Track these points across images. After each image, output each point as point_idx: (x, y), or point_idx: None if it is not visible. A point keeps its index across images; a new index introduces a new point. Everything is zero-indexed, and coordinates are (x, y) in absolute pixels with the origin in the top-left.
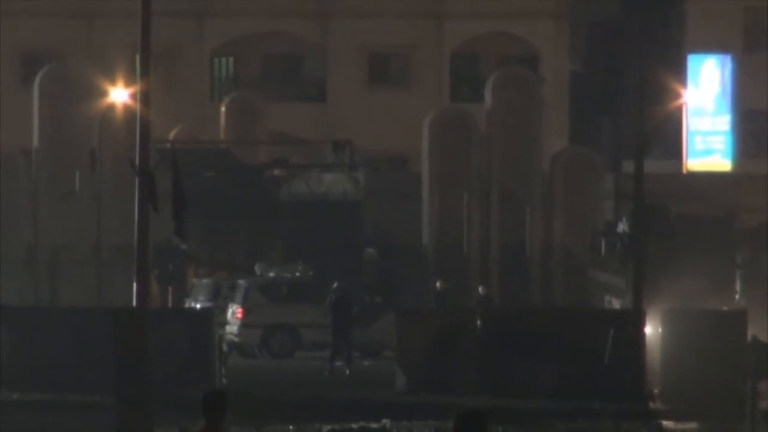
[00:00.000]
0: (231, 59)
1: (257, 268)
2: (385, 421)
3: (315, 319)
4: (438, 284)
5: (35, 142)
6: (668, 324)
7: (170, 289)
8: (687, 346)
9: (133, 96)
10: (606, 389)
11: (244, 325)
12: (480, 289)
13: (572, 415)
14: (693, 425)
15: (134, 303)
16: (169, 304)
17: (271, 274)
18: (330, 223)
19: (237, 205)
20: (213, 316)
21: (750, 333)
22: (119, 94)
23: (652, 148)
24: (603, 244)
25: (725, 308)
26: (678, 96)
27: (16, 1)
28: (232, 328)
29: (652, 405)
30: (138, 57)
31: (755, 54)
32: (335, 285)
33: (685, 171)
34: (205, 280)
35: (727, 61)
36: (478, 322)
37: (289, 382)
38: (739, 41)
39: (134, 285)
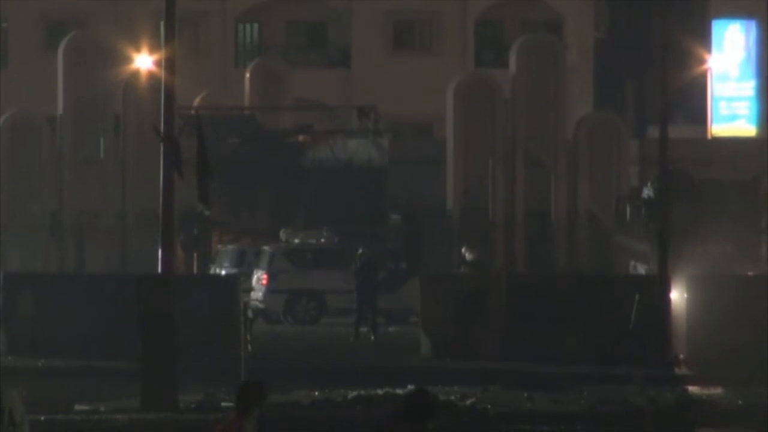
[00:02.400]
0: (255, 25)
1: (282, 234)
2: (411, 387)
3: (340, 285)
4: (464, 250)
5: (60, 109)
6: (693, 289)
7: (195, 255)
8: (712, 312)
9: (158, 62)
10: (631, 355)
11: (269, 291)
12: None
13: (597, 381)
14: (718, 390)
15: (159, 269)
16: (194, 271)
17: (296, 241)
18: (354, 190)
19: (261, 172)
20: (238, 283)
21: None
22: (144, 61)
23: (677, 113)
24: (628, 209)
25: (750, 273)
26: (702, 61)
27: None
28: (257, 294)
29: (677, 370)
30: (162, 23)
31: None
32: (360, 251)
33: (709, 136)
34: (230, 247)
35: (752, 26)
36: (504, 287)
37: (314, 348)
38: (763, 6)
39: (159, 251)
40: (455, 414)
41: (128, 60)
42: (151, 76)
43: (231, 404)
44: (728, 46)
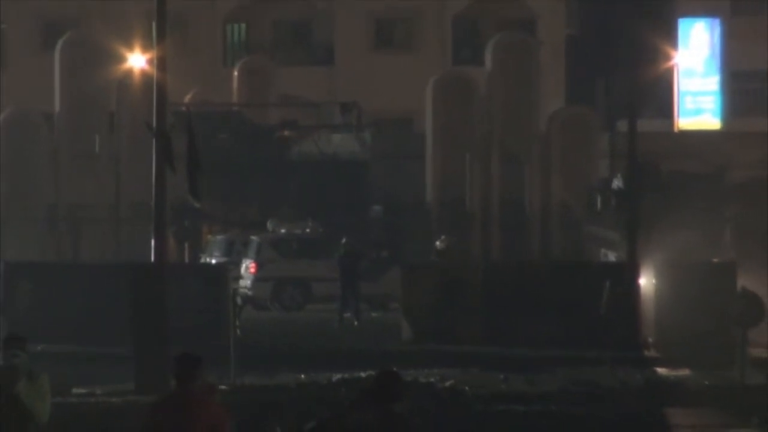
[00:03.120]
0: (243, 25)
1: (269, 225)
2: (393, 369)
3: (324, 273)
4: (442, 240)
5: (56, 107)
6: (661, 276)
7: (186, 245)
8: (679, 297)
9: (150, 61)
10: (602, 338)
11: (257, 279)
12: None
13: (571, 363)
14: (686, 372)
15: (152, 259)
16: (186, 260)
17: (282, 231)
18: (338, 182)
19: (249, 165)
20: (227, 271)
21: (739, 284)
22: (136, 60)
23: (645, 108)
24: (599, 200)
25: (716, 260)
26: (669, 58)
27: None
28: (245, 282)
29: (646, 353)
30: (154, 24)
31: (741, 18)
32: (343, 241)
33: (676, 130)
34: (219, 237)
35: (716, 24)
36: (481, 275)
37: (300, 333)
38: (726, 6)
39: (152, 242)
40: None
41: (122, 59)
42: (144, 74)
43: (224, 387)
44: (693, 44)
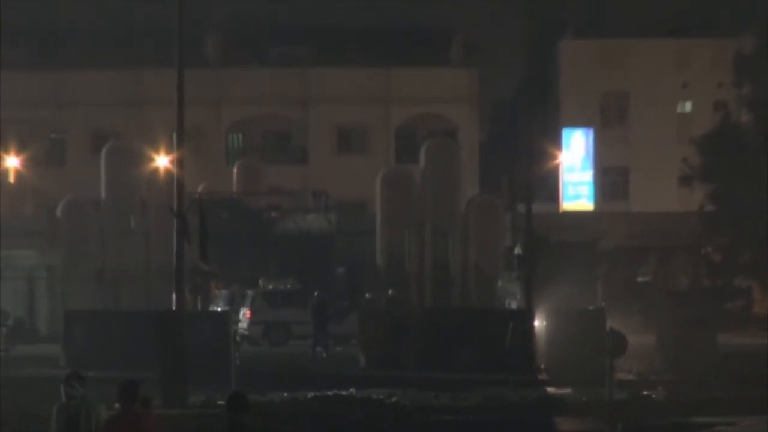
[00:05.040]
0: (240, 135)
1: (260, 282)
2: (352, 390)
3: (301, 317)
4: (390, 292)
5: (102, 195)
6: (550, 318)
7: (199, 298)
8: (564, 334)
9: (171, 161)
10: (507, 365)
11: (252, 322)
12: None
13: (484, 384)
14: (568, 390)
15: (174, 308)
16: (198, 309)
17: (270, 287)
18: (311, 250)
19: (245, 238)
20: (229, 317)
21: (608, 325)
22: (161, 160)
23: (538, 194)
24: (513, 262)
25: (590, 307)
26: (555, 157)
27: (88, 94)
28: (243, 325)
29: (539, 376)
30: (174, 134)
31: (608, 128)
32: (316, 294)
33: (560, 210)
34: (223, 291)
35: (590, 133)
36: (419, 318)
37: (284, 363)
38: (597, 119)
39: (173, 295)
40: (382, 409)
41: (150, 160)
42: (167, 171)
43: (223, 402)
44: (573, 147)
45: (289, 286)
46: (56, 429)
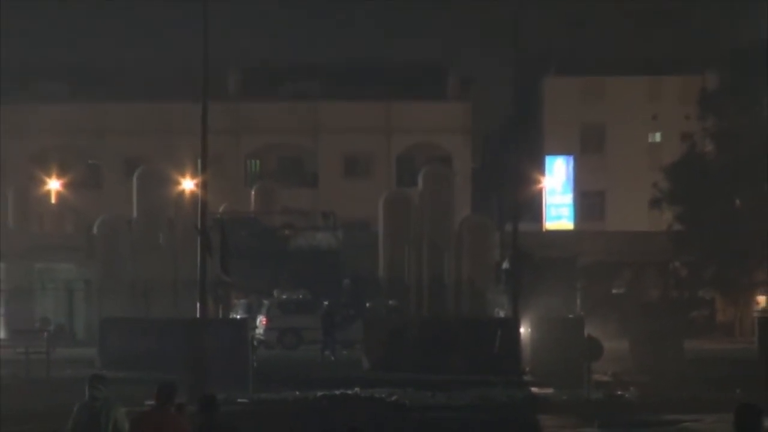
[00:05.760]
0: (257, 161)
1: (275, 293)
2: (357, 389)
3: (311, 324)
4: (390, 302)
5: (134, 214)
6: (534, 326)
7: (220, 307)
8: (546, 340)
9: (196, 184)
10: (496, 368)
11: (267, 328)
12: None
13: (476, 384)
14: (550, 390)
15: (198, 316)
16: (220, 316)
17: (284, 297)
18: (320, 264)
19: (261, 253)
20: (247, 323)
21: (586, 332)
22: (187, 183)
23: (523, 215)
24: (501, 276)
25: (570, 316)
26: (539, 182)
27: (121, 124)
28: (259, 331)
29: (525, 378)
30: (198, 159)
31: (586, 156)
32: (325, 303)
33: (544, 230)
34: (242, 301)
35: (570, 160)
36: (417, 325)
37: (296, 365)
38: (577, 147)
39: (198, 304)
40: (384, 406)
41: (177, 183)
42: (192, 193)
43: (244, 400)
44: (555, 173)
45: (300, 296)
46: (74, 425)
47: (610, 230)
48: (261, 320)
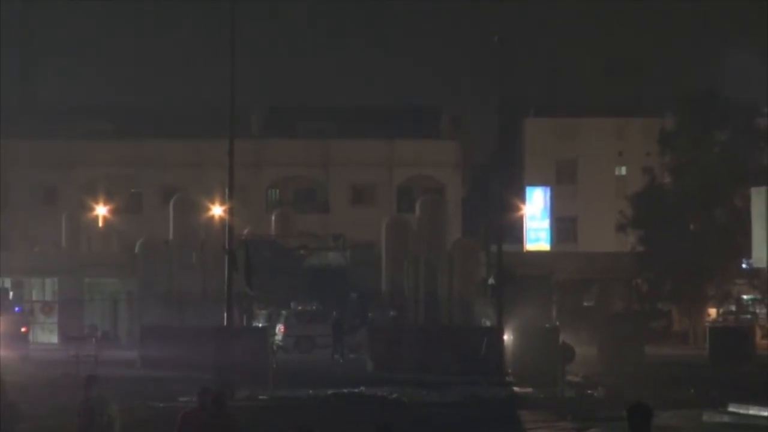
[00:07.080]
0: (277, 190)
1: (292, 305)
2: (362, 388)
3: (323, 332)
4: (391, 313)
5: (170, 236)
6: (516, 334)
7: (245, 316)
8: (526, 346)
9: (224, 211)
10: (483, 370)
11: (285, 335)
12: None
13: (465, 384)
14: (529, 389)
15: (225, 324)
16: (244, 325)
17: (299, 308)
18: (331, 280)
19: (280, 270)
20: (268, 331)
21: (560, 339)
22: (216, 210)
23: (506, 237)
24: (487, 290)
25: (547, 325)
26: (520, 209)
27: (159, 157)
28: (278, 337)
29: (507, 378)
30: (226, 189)
31: (561, 186)
32: (334, 314)
33: (524, 250)
34: (263, 311)
35: (547, 190)
36: (415, 332)
37: (309, 367)
38: (553, 179)
39: (224, 314)
40: (385, 403)
41: (208, 209)
42: (221, 218)
43: (265, 396)
44: (534, 201)
45: (314, 307)
46: (78, 417)
47: (582, 251)
48: (280, 328)
